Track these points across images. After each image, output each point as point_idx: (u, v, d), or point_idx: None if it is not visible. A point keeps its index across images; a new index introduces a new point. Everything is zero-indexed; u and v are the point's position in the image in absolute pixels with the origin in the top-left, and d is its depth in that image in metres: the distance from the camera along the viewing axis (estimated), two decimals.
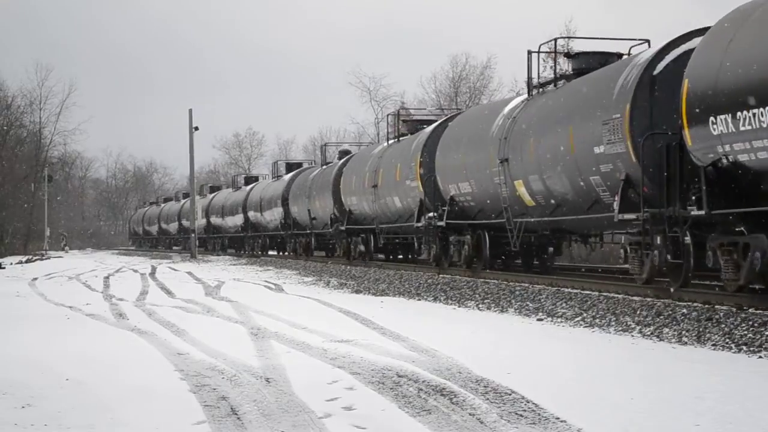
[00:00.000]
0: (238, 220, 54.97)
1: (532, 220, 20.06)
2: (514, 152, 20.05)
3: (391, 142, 30.85)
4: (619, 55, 18.86)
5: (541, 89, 20.42)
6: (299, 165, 51.12)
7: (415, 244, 30.80)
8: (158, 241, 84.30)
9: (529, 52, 20.63)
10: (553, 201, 18.88)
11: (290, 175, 46.39)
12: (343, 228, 33.99)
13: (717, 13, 16.72)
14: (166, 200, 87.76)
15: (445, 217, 23.85)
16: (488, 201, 21.90)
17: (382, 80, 75.71)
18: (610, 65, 18.02)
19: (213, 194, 65.80)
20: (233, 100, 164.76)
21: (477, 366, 9.62)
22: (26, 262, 49.26)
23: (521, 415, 7.38)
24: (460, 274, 22.17)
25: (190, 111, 53.34)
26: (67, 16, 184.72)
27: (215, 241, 62.60)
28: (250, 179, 60.81)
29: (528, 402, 7.84)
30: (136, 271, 36.39)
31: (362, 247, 33.31)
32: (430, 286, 20.72)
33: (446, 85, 64.00)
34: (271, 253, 49.66)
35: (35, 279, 30.44)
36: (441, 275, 22.66)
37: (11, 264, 43.91)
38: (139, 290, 23.53)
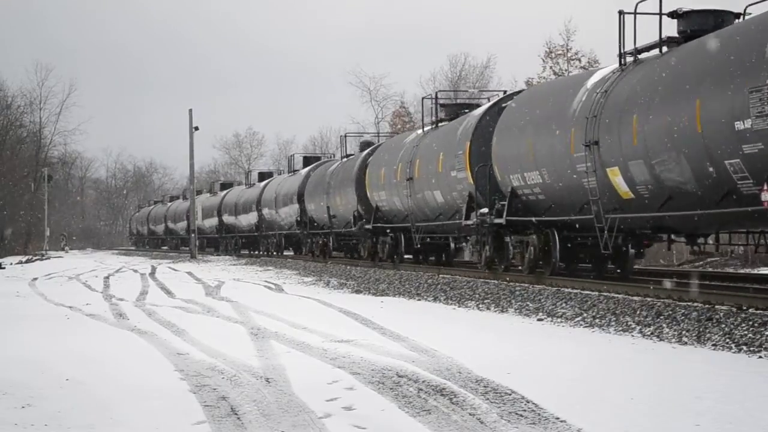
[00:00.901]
0: (252, 218, 51.63)
1: (632, 216, 16.42)
2: (607, 133, 16.38)
3: (427, 129, 27.09)
4: (736, 15, 15.83)
5: (637, 57, 16.96)
6: (317, 158, 47.48)
7: (452, 245, 27.60)
8: (164, 241, 79.90)
9: (621, 13, 17.19)
10: (662, 192, 15.29)
11: (306, 169, 42.86)
12: (369, 227, 30.67)
13: None
14: (173, 199, 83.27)
15: (505, 214, 20.33)
16: (565, 193, 18.21)
17: (382, 80, 75.79)
18: (753, 17, 14.50)
19: (225, 191, 61.85)
20: (233, 100, 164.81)
21: (477, 366, 9.62)
22: (26, 262, 49.28)
23: (521, 415, 7.39)
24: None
25: (190, 111, 53.36)
26: (67, 16, 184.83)
27: (228, 241, 58.68)
28: (265, 175, 57.44)
29: (528, 402, 7.84)
30: (136, 271, 36.39)
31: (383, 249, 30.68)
32: (430, 286, 20.71)
33: (446, 85, 64.10)
34: (286, 253, 46.86)
35: (35, 279, 30.45)
36: (441, 275, 22.56)
37: (11, 264, 43.93)
38: (139, 290, 23.53)
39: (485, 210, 21.21)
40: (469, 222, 22.15)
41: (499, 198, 20.96)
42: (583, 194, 17.29)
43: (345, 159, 36.66)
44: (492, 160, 21.29)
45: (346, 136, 40.76)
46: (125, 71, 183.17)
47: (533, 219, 19.76)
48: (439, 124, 26.27)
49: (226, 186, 66.00)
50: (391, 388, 8.60)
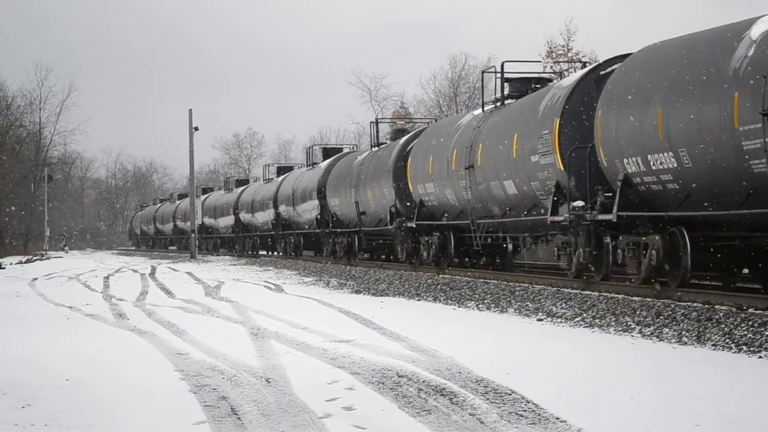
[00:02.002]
0: (268, 216, 47.02)
1: None
2: None
3: (489, 108, 22.62)
4: None
5: None
6: (338, 150, 42.48)
7: (509, 247, 23.46)
8: (173, 241, 74.42)
9: None
10: None
11: (327, 161, 38.44)
12: (411, 225, 26.33)
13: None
14: (181, 196, 76.65)
15: (615, 208, 15.91)
16: (716, 182, 13.72)
17: (383, 80, 75.77)
18: None
19: (242, 188, 56.77)
20: (233, 101, 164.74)
21: (477, 366, 9.62)
22: (26, 262, 49.27)
23: (521, 415, 7.39)
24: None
25: (190, 111, 53.35)
26: (67, 16, 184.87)
27: (245, 241, 54.05)
28: (283, 169, 51.88)
29: (528, 402, 7.84)
30: (135, 271, 36.39)
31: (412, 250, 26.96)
32: (430, 286, 20.71)
33: (445, 85, 64.12)
34: (306, 253, 42.69)
35: (35, 279, 30.45)
36: (441, 275, 22.53)
37: (11, 264, 43.92)
38: (139, 290, 23.53)
39: (580, 203, 16.87)
40: (558, 218, 17.61)
41: (603, 188, 16.68)
42: (748, 181, 13.00)
43: (377, 148, 32.14)
44: (595, 141, 16.72)
45: (377, 122, 34.23)
46: (125, 71, 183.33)
47: (663, 214, 15.19)
48: (506, 102, 21.84)
49: (242, 183, 60.65)
50: (391, 388, 8.60)
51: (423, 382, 8.89)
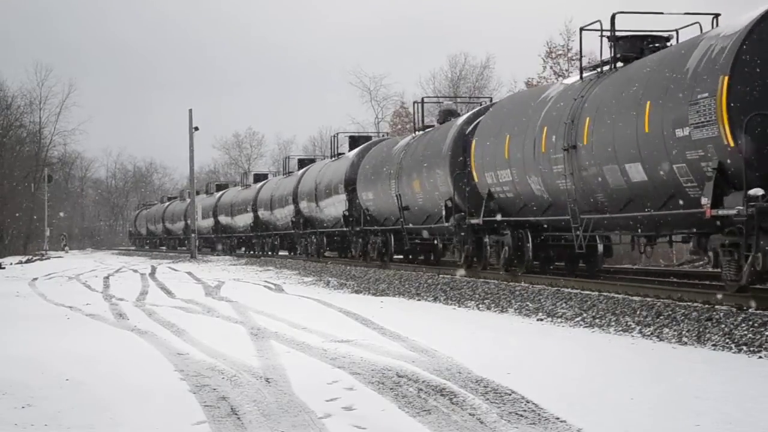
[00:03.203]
0: (288, 212, 43.00)
1: None
2: None
3: (589, 74, 18.16)
4: None
5: None
6: (367, 138, 38.09)
7: (600, 247, 20.01)
8: (182, 241, 69.17)
9: None
10: None
11: (355, 151, 34.40)
12: (476, 221, 21.70)
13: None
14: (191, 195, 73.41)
15: None
16: None
17: (383, 80, 75.79)
18: None
19: (261, 183, 52.69)
20: (233, 100, 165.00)
21: (477, 366, 9.62)
22: (26, 262, 49.30)
23: (521, 415, 7.39)
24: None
25: (190, 111, 53.37)
26: (66, 15, 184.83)
27: (263, 241, 50.16)
28: (305, 161, 47.67)
29: (528, 402, 7.84)
30: (136, 271, 36.40)
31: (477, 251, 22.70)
32: (430, 286, 20.70)
33: (445, 85, 64.15)
34: (328, 254, 39.35)
35: (35, 279, 30.45)
36: (441, 275, 22.46)
37: (11, 264, 43.95)
38: (139, 290, 23.54)
39: (759, 191, 12.79)
40: (727, 211, 13.18)
41: None
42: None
43: (420, 133, 27.79)
44: None
45: (422, 102, 29.45)
46: (125, 71, 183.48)
47: None
48: (616, 66, 17.42)
49: (260, 178, 57.10)
50: (391, 388, 8.60)
51: (423, 382, 8.89)
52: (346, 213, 33.03)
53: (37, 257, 56.70)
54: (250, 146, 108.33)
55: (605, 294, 15.48)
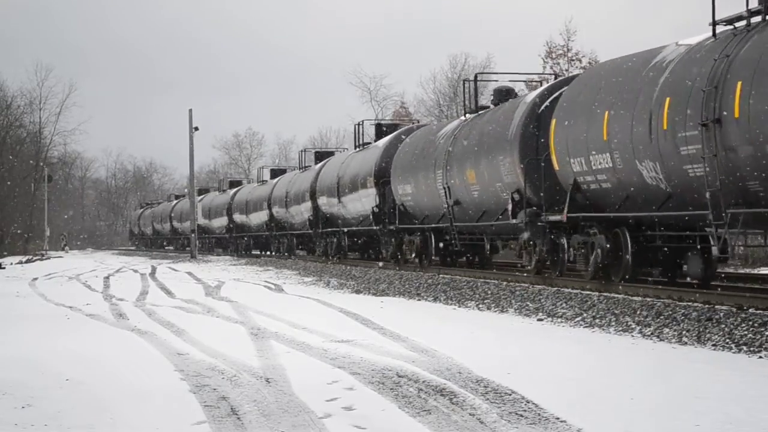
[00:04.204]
0: (305, 210, 39.23)
1: None
2: None
3: (723, 32, 14.15)
4: None
5: None
6: (395, 126, 34.60)
7: (715, 248, 14.93)
8: (188, 241, 60.41)
9: None
10: None
11: (387, 139, 30.86)
12: (556, 218, 18.08)
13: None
14: (200, 192, 68.59)
15: None
16: None
17: (383, 80, 75.78)
18: None
19: (277, 179, 48.72)
20: (233, 101, 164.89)
21: (477, 366, 9.62)
22: (26, 262, 49.29)
23: (521, 415, 7.39)
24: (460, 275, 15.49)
25: (190, 111, 53.36)
26: (67, 15, 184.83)
27: (280, 240, 46.59)
28: (323, 154, 43.47)
29: (528, 402, 7.84)
30: (136, 271, 36.39)
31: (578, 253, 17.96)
32: (430, 286, 20.69)
33: (445, 85, 64.17)
34: (351, 255, 35.86)
35: (35, 279, 30.45)
36: (441, 275, 22.47)
37: (11, 264, 43.95)
38: (139, 290, 23.53)
39: None
40: None
41: None
42: None
43: (474, 114, 24.17)
44: None
45: (474, 80, 25.70)
46: (125, 71, 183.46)
47: None
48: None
49: (277, 173, 53.37)
50: (391, 389, 8.60)
51: (423, 382, 8.89)
52: (376, 209, 29.62)
53: (37, 257, 56.68)
54: (250, 146, 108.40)
55: (605, 294, 15.48)
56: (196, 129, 53.29)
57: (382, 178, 29.25)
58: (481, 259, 25.26)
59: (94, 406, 8.06)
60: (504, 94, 23.47)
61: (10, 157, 63.68)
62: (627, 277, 16.29)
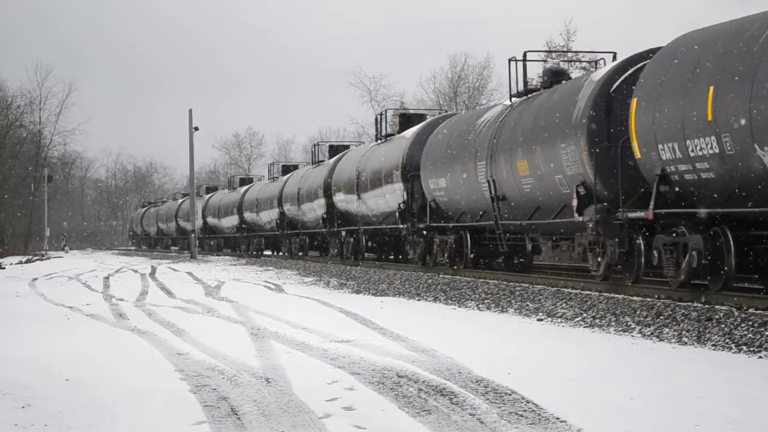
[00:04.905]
0: (318, 207, 37.12)
1: None
2: None
3: None
4: None
5: None
6: (422, 117, 31.03)
7: None
8: (202, 241, 60.70)
9: None
10: None
11: (416, 129, 28.00)
12: (638, 215, 15.21)
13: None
14: (209, 190, 67.21)
15: None
16: None
17: (383, 80, 75.74)
18: None
19: (287, 176, 46.28)
20: (233, 100, 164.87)
21: (477, 366, 9.62)
22: (26, 262, 49.29)
23: (521, 415, 7.39)
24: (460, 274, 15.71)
25: (190, 111, 53.36)
26: (67, 15, 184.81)
27: (291, 240, 44.37)
28: (338, 148, 41.07)
29: (528, 402, 7.84)
30: (136, 271, 36.39)
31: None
32: (430, 286, 20.69)
33: (445, 85, 64.13)
34: (368, 256, 33.16)
35: (35, 279, 30.45)
36: (441, 275, 22.44)
37: (11, 264, 43.96)
38: (139, 290, 23.53)
39: None
40: None
41: None
42: None
43: (522, 99, 21.07)
44: None
45: (523, 59, 21.56)
46: (125, 71, 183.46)
47: None
48: None
49: (288, 170, 49.87)
50: (391, 389, 8.60)
51: (423, 382, 8.89)
52: (403, 206, 26.80)
53: (37, 257, 56.68)
54: (250, 146, 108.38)
55: (605, 294, 15.48)
56: (196, 129, 53.30)
57: (410, 171, 26.54)
58: (522, 261, 22.86)
59: (94, 406, 8.06)
60: (556, 76, 20.70)
61: (10, 160, 63.68)
62: (728, 285, 13.74)
